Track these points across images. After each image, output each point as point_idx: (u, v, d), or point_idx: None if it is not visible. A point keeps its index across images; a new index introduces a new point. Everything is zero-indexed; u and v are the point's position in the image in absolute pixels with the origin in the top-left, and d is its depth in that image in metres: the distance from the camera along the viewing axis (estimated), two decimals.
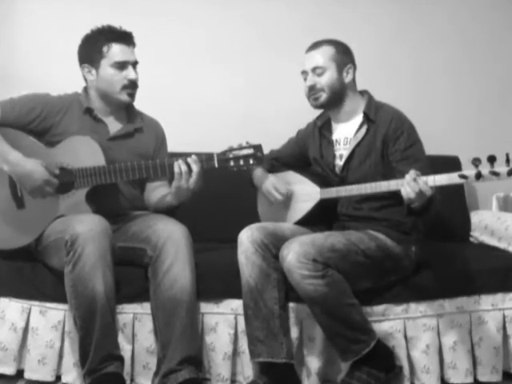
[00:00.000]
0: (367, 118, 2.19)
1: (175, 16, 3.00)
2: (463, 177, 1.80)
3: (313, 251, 1.95)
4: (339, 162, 2.25)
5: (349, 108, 2.24)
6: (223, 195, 2.69)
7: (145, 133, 2.34)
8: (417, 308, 2.18)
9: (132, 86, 2.23)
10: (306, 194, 2.25)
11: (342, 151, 2.25)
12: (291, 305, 2.13)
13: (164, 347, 2.03)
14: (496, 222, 2.69)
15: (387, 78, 3.05)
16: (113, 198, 2.24)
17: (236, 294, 2.12)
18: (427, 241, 2.27)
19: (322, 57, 2.19)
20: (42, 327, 2.15)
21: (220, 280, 2.16)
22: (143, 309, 2.14)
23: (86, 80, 2.28)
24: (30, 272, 2.18)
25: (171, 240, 2.07)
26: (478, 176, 1.77)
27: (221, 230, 2.59)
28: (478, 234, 2.81)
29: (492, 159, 1.75)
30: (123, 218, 2.27)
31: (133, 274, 2.16)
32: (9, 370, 2.15)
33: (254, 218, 2.36)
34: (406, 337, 2.17)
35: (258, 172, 2.39)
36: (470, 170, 1.80)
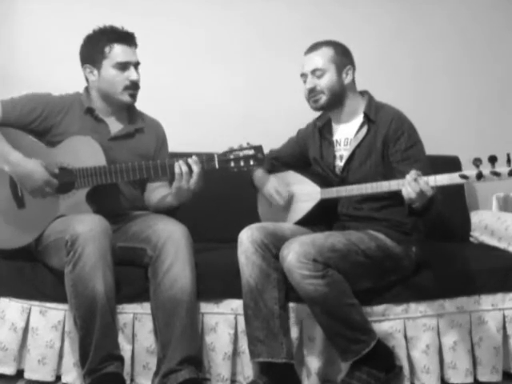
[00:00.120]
0: (368, 119, 2.19)
1: (175, 16, 3.00)
2: (464, 177, 1.80)
3: (313, 251, 1.95)
4: (339, 163, 2.24)
5: (349, 109, 2.24)
6: (223, 195, 2.69)
7: (146, 133, 2.34)
8: (417, 308, 2.18)
9: (134, 87, 2.23)
10: (307, 193, 2.25)
11: (342, 152, 2.25)
12: (291, 305, 2.13)
13: (164, 347, 2.03)
14: (496, 222, 2.69)
15: (387, 78, 3.05)
16: (113, 198, 2.23)
17: (236, 293, 2.12)
18: (427, 241, 2.27)
19: (321, 59, 2.19)
20: (42, 327, 2.15)
21: (220, 280, 2.16)
22: (143, 309, 2.14)
23: (87, 80, 2.28)
24: (30, 272, 2.18)
25: (171, 240, 2.07)
26: (479, 176, 1.77)
27: (221, 230, 2.60)
28: (478, 234, 2.81)
29: (493, 159, 1.75)
30: (123, 217, 2.27)
31: (133, 273, 2.16)
32: (9, 369, 2.15)
33: (254, 218, 2.36)
34: (405, 337, 2.17)
35: (259, 173, 2.39)
36: (470, 170, 1.80)
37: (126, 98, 2.23)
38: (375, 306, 2.15)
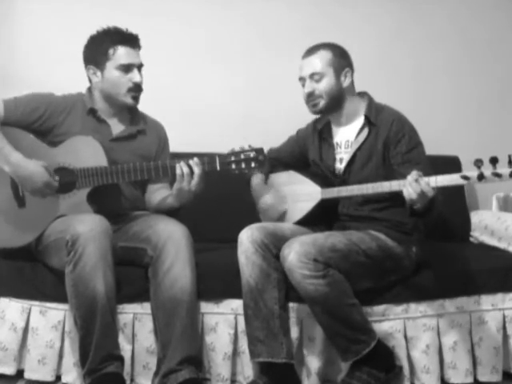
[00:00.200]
0: (368, 121, 2.19)
1: (175, 16, 3.00)
2: (465, 178, 1.80)
3: (314, 251, 1.95)
4: (339, 166, 2.24)
5: (348, 111, 2.23)
6: (223, 195, 2.69)
7: (147, 135, 2.34)
8: (417, 308, 2.18)
9: (137, 89, 2.23)
10: (307, 193, 2.25)
11: (342, 155, 2.24)
12: (291, 305, 2.13)
13: (164, 347, 2.03)
14: (496, 222, 2.69)
15: (387, 78, 3.05)
16: (114, 198, 2.23)
17: (236, 293, 2.12)
18: (427, 241, 2.27)
19: (320, 62, 2.18)
20: (42, 327, 2.15)
21: (220, 280, 2.17)
22: (143, 309, 2.14)
23: (90, 81, 2.28)
24: (30, 272, 2.18)
25: (172, 240, 2.08)
26: (480, 177, 1.77)
27: (221, 230, 2.59)
28: (478, 234, 2.81)
29: (494, 161, 1.74)
30: (124, 217, 2.27)
31: (133, 273, 2.16)
32: (9, 369, 2.15)
33: (254, 218, 2.36)
34: (405, 337, 2.17)
35: (257, 180, 2.39)
36: (472, 171, 1.80)
37: (128, 100, 2.22)
38: (375, 305, 2.15)
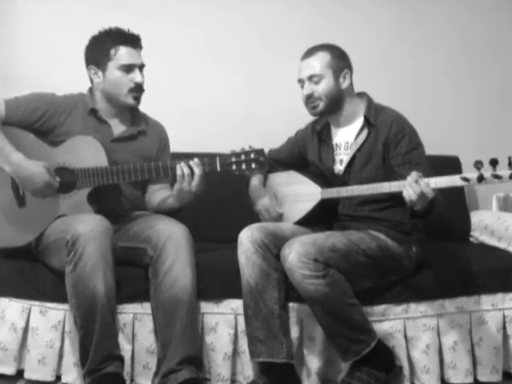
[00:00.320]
0: (367, 122, 2.19)
1: (175, 16, 3.00)
2: (465, 179, 1.80)
3: (314, 251, 1.95)
4: (339, 167, 2.24)
5: (348, 112, 2.23)
6: (224, 195, 2.68)
7: (148, 135, 2.34)
8: (417, 308, 2.18)
9: (138, 90, 2.23)
10: (307, 193, 2.25)
11: (342, 156, 2.24)
12: (291, 305, 2.13)
13: (164, 347, 2.03)
14: (496, 222, 2.69)
15: (387, 78, 3.05)
16: (114, 198, 2.23)
17: (236, 293, 2.12)
18: (427, 241, 2.27)
19: (318, 64, 2.18)
20: (42, 327, 2.15)
21: (220, 280, 2.17)
22: (143, 309, 2.14)
23: (91, 81, 2.28)
24: (30, 272, 2.18)
25: (172, 240, 2.08)
26: (480, 179, 1.77)
27: (221, 230, 2.59)
28: (478, 234, 2.81)
29: (494, 162, 1.74)
30: (124, 217, 2.27)
31: (133, 273, 2.16)
32: (9, 369, 2.15)
33: (254, 218, 2.36)
34: (406, 337, 2.17)
35: (255, 182, 2.39)
36: (472, 173, 1.79)
37: (130, 100, 2.23)
38: (375, 305, 2.15)
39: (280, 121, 2.93)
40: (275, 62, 3.00)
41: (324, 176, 2.27)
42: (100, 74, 2.23)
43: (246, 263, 2.07)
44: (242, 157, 2.04)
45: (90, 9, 2.94)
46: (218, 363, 2.14)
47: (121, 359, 2.03)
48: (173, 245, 2.07)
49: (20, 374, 2.17)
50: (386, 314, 2.16)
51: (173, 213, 2.24)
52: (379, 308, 2.16)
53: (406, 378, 2.14)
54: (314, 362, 2.13)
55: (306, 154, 2.40)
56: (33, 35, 2.95)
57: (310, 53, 2.21)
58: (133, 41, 2.22)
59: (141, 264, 2.14)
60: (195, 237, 2.15)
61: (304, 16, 3.04)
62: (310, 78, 2.18)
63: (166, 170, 2.10)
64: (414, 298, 2.17)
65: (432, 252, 2.31)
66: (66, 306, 2.11)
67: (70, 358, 2.14)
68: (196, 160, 2.06)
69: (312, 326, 2.13)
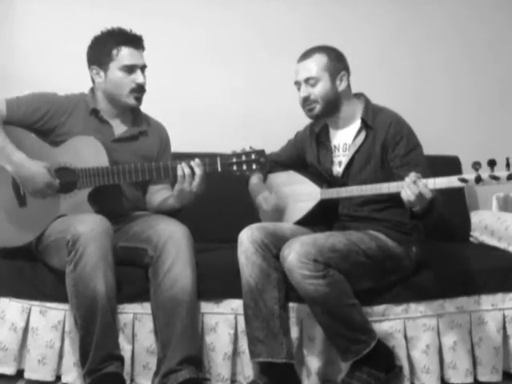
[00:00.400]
0: (365, 124, 2.18)
1: (175, 16, 3.00)
2: (463, 180, 1.80)
3: (314, 251, 1.95)
4: (338, 169, 2.24)
5: (345, 114, 2.23)
6: (224, 195, 2.68)
7: (149, 136, 2.35)
8: (417, 308, 2.18)
9: (139, 90, 2.23)
10: (307, 193, 2.25)
11: (341, 158, 2.24)
12: (291, 305, 2.13)
13: (164, 347, 2.03)
14: (496, 222, 2.69)
15: (387, 78, 3.05)
16: (115, 199, 2.23)
17: (236, 293, 2.12)
18: (427, 241, 2.27)
19: (315, 67, 2.17)
20: (42, 327, 2.15)
21: (220, 280, 2.17)
22: (143, 309, 2.14)
23: (93, 81, 2.28)
24: (30, 272, 2.18)
25: (172, 240, 2.08)
26: (478, 180, 1.77)
27: (221, 230, 2.59)
28: (478, 234, 2.81)
29: (492, 163, 1.74)
30: (124, 217, 2.27)
31: (133, 273, 2.16)
32: (9, 370, 2.15)
33: (254, 218, 2.36)
34: (406, 337, 2.17)
35: (255, 180, 2.39)
36: (469, 174, 1.80)
37: (131, 100, 2.23)
38: (375, 305, 2.15)
39: (280, 121, 2.93)
40: (275, 62, 2.99)
41: (323, 176, 2.27)
42: (102, 74, 2.23)
43: (246, 263, 2.07)
44: (243, 157, 2.04)
45: (89, 9, 2.94)
46: (218, 363, 2.14)
47: (121, 359, 2.03)
48: (173, 245, 2.07)
49: (20, 374, 2.17)
50: (386, 314, 2.16)
51: (173, 213, 2.24)
52: (379, 308, 2.16)
53: (406, 378, 2.14)
54: (314, 362, 2.13)
55: (304, 155, 2.40)
56: (33, 35, 2.95)
57: (306, 55, 2.21)
58: (135, 41, 2.22)
59: (141, 264, 2.14)
60: (195, 237, 2.15)
61: (304, 16, 3.04)
62: (307, 80, 2.18)
63: (166, 170, 2.10)
64: (413, 297, 2.17)
65: (432, 252, 2.31)
66: (66, 306, 2.11)
67: (70, 358, 2.14)
68: (197, 160, 2.06)
69: (312, 326, 2.13)
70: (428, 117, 3.01)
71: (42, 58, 2.93)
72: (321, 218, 2.25)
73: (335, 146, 2.26)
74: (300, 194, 2.28)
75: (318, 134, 2.33)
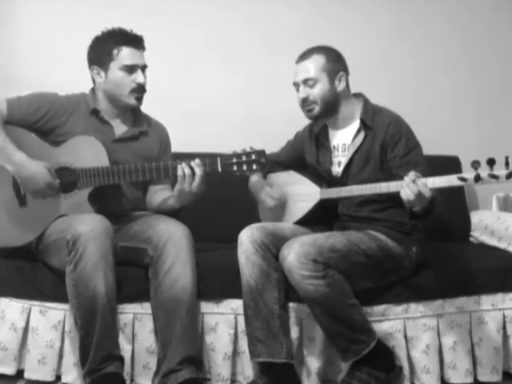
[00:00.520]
0: (364, 124, 2.18)
1: (175, 16, 3.00)
2: (462, 179, 1.80)
3: (313, 251, 1.95)
4: (337, 169, 2.24)
5: (344, 114, 2.23)
6: (224, 195, 2.68)
7: (150, 136, 2.35)
8: (417, 308, 2.18)
9: (140, 90, 2.23)
10: (307, 193, 2.25)
11: (340, 158, 2.24)
12: (291, 305, 2.13)
13: (164, 347, 2.03)
14: (496, 222, 2.69)
15: (387, 78, 3.05)
16: (115, 199, 2.23)
17: (236, 293, 2.12)
18: (427, 241, 2.27)
19: (313, 68, 2.17)
20: (42, 327, 2.15)
21: (220, 280, 2.17)
22: (143, 309, 2.14)
23: (94, 81, 2.28)
24: (30, 272, 2.18)
25: (172, 240, 2.08)
26: (477, 179, 1.77)
27: (221, 230, 2.60)
28: (478, 234, 2.81)
29: (491, 162, 1.74)
30: (124, 217, 2.27)
31: (133, 273, 2.16)
32: (9, 369, 2.15)
33: (254, 218, 2.36)
34: (406, 337, 2.17)
35: (255, 177, 2.39)
36: (469, 173, 1.80)
37: (131, 100, 2.23)
38: (375, 306, 2.15)
39: (280, 121, 2.93)
40: (275, 62, 2.99)
41: (323, 177, 2.27)
42: (102, 74, 2.23)
43: (246, 263, 2.07)
44: (243, 157, 2.04)
45: (89, 9, 2.94)
46: (218, 363, 2.14)
47: (121, 359, 2.03)
48: (173, 245, 2.07)
49: (20, 373, 2.17)
50: (386, 314, 2.16)
51: (173, 213, 2.24)
52: (379, 308, 2.16)
53: (406, 378, 2.14)
54: (314, 362, 2.13)
55: (304, 156, 2.40)
56: (33, 35, 2.95)
57: (304, 56, 2.21)
58: (135, 41, 2.22)
59: (141, 264, 2.14)
60: (195, 237, 2.15)
61: (304, 16, 3.04)
62: (305, 81, 2.18)
63: (166, 170, 2.10)
64: (413, 297, 2.17)
65: (432, 252, 2.31)
66: (66, 306, 2.11)
67: (70, 357, 2.14)
68: (197, 160, 2.06)
69: (312, 326, 2.13)
70: (428, 117, 3.01)
71: (41, 58, 2.93)
72: (321, 218, 2.25)
73: (334, 147, 2.26)
74: (300, 193, 2.28)
75: (317, 135, 2.33)
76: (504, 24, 3.14)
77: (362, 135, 2.18)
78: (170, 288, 2.03)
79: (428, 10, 3.10)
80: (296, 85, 2.22)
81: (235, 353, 2.17)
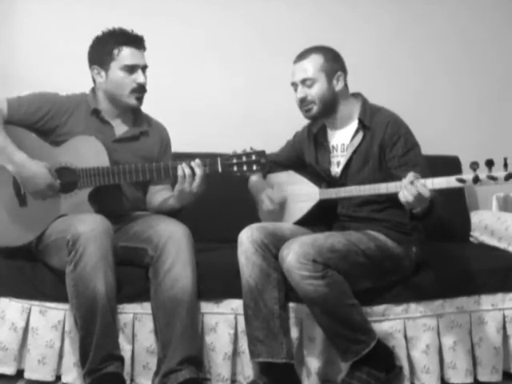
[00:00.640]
0: (362, 125, 2.18)
1: (175, 16, 3.00)
2: (461, 181, 1.80)
3: (312, 252, 1.95)
4: (336, 169, 2.24)
5: (343, 114, 2.22)
6: (224, 195, 2.68)
7: (150, 136, 2.35)
8: (417, 308, 2.18)
9: (140, 90, 2.23)
10: (306, 194, 2.25)
11: (339, 158, 2.24)
12: (291, 305, 2.13)
13: (164, 347, 2.03)
14: (496, 222, 2.69)
15: (387, 77, 3.05)
16: (115, 199, 2.24)
17: (236, 293, 2.12)
18: (427, 241, 2.27)
19: (311, 67, 2.16)
20: (42, 327, 2.15)
21: (220, 280, 2.17)
22: (143, 309, 2.14)
23: (94, 81, 2.28)
24: (30, 272, 2.18)
25: (172, 240, 2.08)
26: (476, 180, 1.77)
27: (221, 230, 2.59)
28: (478, 234, 2.81)
29: (490, 163, 1.74)
30: (124, 217, 2.27)
31: (133, 273, 2.16)
32: (9, 369, 2.15)
33: (254, 218, 2.36)
34: (406, 337, 2.17)
35: (255, 177, 2.39)
36: (467, 174, 1.80)
37: (132, 100, 2.23)
38: (375, 306, 2.15)
39: (280, 121, 2.93)
40: (275, 62, 2.99)
41: (322, 177, 2.27)
42: (103, 74, 2.23)
43: (245, 263, 2.07)
44: (244, 158, 2.04)
45: (89, 9, 2.94)
46: (218, 363, 2.14)
47: (121, 359, 2.03)
48: (173, 245, 2.07)
49: (20, 373, 2.17)
50: (386, 314, 2.16)
51: (174, 213, 2.24)
52: (379, 308, 2.16)
53: (406, 378, 2.14)
54: (314, 362, 2.13)
55: (303, 156, 2.40)
56: (33, 35, 2.95)
57: (302, 55, 2.20)
58: (136, 41, 2.22)
59: (141, 264, 2.14)
60: (195, 237, 2.15)
61: (304, 16, 3.04)
62: (303, 81, 2.18)
63: (167, 170, 2.10)
64: (413, 298, 2.17)
65: (432, 252, 2.31)
66: (66, 306, 2.11)
67: (70, 357, 2.14)
68: (197, 161, 2.06)
69: (312, 326, 2.13)
70: (428, 117, 3.01)
71: (41, 58, 2.93)
72: (320, 218, 2.25)
73: (333, 147, 2.26)
74: (299, 194, 2.28)
75: (315, 135, 2.32)
76: (504, 24, 3.14)
77: (360, 135, 2.18)
78: (170, 288, 2.03)
79: (428, 9, 3.10)
80: (294, 85, 2.22)
81: (235, 353, 2.17)
